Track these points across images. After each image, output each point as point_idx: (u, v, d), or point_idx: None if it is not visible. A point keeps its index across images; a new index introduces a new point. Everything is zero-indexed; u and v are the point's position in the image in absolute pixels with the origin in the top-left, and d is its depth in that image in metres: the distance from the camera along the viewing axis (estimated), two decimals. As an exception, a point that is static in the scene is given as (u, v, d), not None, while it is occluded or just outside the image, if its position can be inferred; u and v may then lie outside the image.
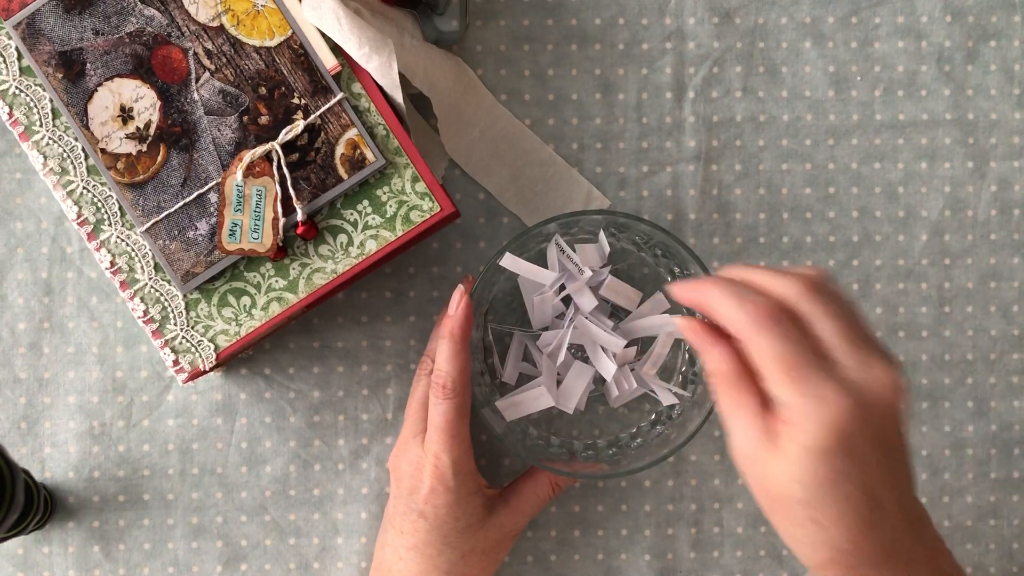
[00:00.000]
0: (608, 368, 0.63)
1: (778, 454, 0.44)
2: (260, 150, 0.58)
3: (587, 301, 0.63)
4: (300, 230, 0.59)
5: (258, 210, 0.58)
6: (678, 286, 0.48)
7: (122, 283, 0.60)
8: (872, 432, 0.43)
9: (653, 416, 0.66)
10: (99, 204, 0.59)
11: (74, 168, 0.59)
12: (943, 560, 0.48)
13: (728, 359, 0.46)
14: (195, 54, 0.58)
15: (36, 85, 0.58)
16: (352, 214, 0.59)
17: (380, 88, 0.59)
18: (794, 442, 0.43)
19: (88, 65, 0.58)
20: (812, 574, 0.47)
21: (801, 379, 0.43)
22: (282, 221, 0.59)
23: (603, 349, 0.63)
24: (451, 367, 0.58)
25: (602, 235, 0.62)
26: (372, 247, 0.59)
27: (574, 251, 0.62)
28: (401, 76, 0.60)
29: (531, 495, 0.62)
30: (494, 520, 0.60)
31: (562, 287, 0.63)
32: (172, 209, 0.59)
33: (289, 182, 0.58)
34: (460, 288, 0.59)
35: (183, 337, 0.60)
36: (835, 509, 0.44)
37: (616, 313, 0.65)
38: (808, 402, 0.42)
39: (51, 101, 0.58)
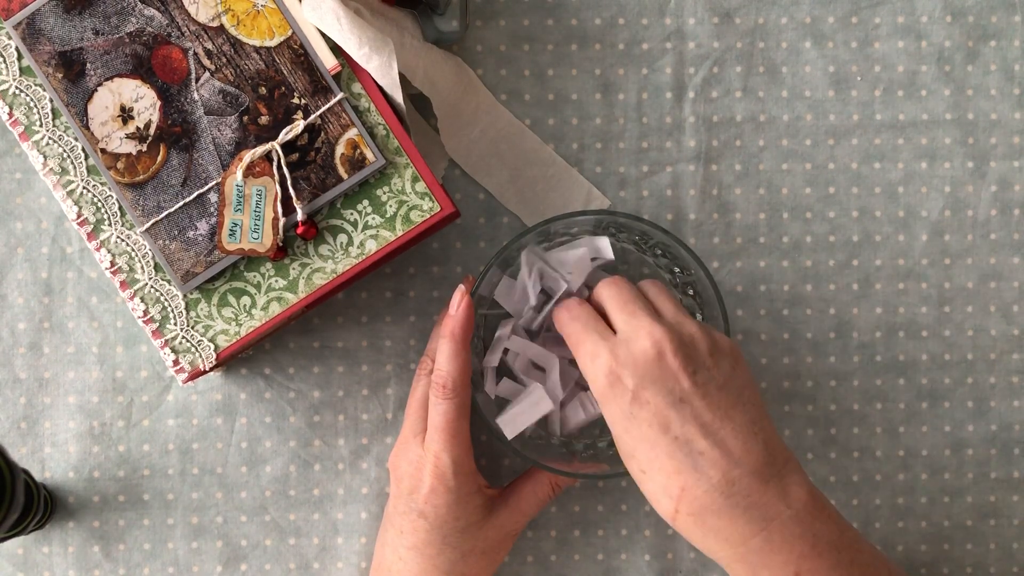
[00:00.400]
0: (544, 407, 0.62)
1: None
2: (260, 150, 0.58)
3: (526, 349, 0.63)
4: (300, 230, 0.59)
5: (258, 210, 0.58)
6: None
7: (122, 283, 0.60)
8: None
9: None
10: (99, 204, 0.59)
11: (74, 168, 0.59)
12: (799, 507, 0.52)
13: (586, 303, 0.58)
14: (195, 54, 0.58)
15: (36, 85, 0.58)
16: (352, 214, 0.59)
17: (380, 88, 0.59)
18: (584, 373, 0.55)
19: (88, 65, 0.58)
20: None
21: (632, 314, 0.55)
22: (282, 221, 0.59)
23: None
24: (451, 367, 0.58)
25: (607, 242, 0.62)
26: (372, 247, 0.59)
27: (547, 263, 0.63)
28: (401, 76, 0.60)
29: (531, 495, 0.62)
30: (494, 520, 0.60)
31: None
32: (172, 209, 0.59)
33: (289, 182, 0.58)
34: (461, 288, 0.59)
35: (183, 337, 0.60)
36: (642, 448, 0.53)
37: None
38: (582, 357, 0.55)
39: (51, 101, 0.58)
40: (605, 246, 0.62)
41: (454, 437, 0.58)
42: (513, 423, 0.61)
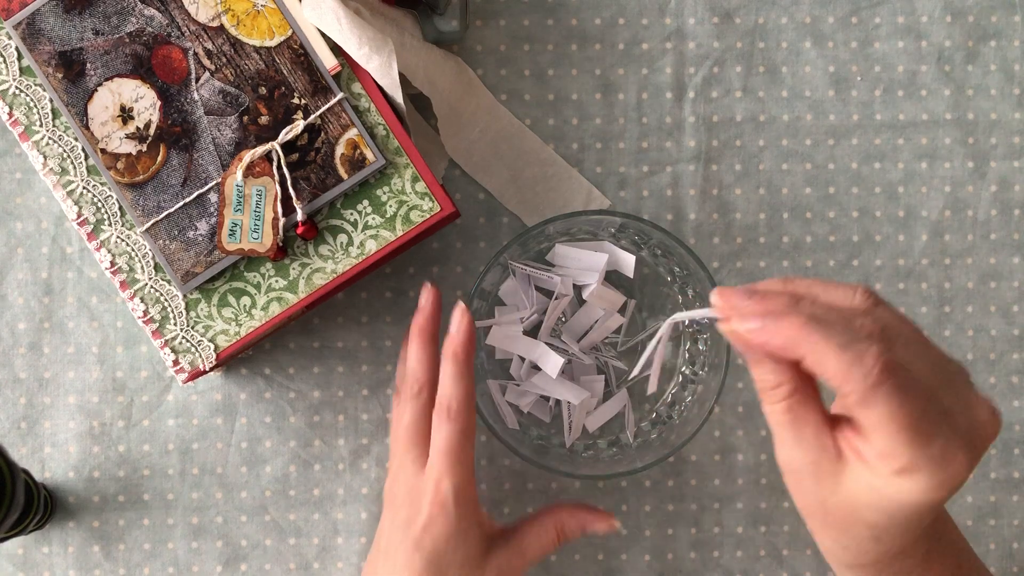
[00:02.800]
0: (620, 404, 0.65)
1: (853, 480, 0.42)
2: (260, 150, 0.58)
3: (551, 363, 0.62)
4: (300, 230, 0.59)
5: (258, 210, 0.58)
6: (752, 325, 0.42)
7: (122, 283, 0.60)
8: None
9: (653, 416, 0.66)
10: (99, 204, 0.59)
11: (74, 168, 0.59)
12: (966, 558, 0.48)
13: (791, 376, 0.42)
14: (195, 54, 0.58)
15: (36, 85, 0.58)
16: (352, 214, 0.59)
17: (380, 88, 0.59)
18: (896, 496, 0.41)
19: (88, 65, 0.58)
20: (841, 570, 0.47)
21: (920, 437, 0.40)
22: (282, 221, 0.59)
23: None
24: (456, 390, 0.55)
25: (632, 261, 0.63)
26: (372, 247, 0.59)
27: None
28: (401, 76, 0.60)
29: (535, 539, 0.58)
30: (493, 560, 0.56)
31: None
32: (172, 209, 0.59)
33: (289, 182, 0.58)
34: (461, 306, 0.57)
35: (183, 337, 0.60)
36: (905, 536, 0.43)
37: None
38: (928, 461, 0.40)
39: (51, 101, 0.58)
40: (628, 264, 0.63)
41: (458, 463, 0.55)
42: (593, 420, 0.64)
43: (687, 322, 0.66)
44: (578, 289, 0.64)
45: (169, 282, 0.60)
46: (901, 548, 0.44)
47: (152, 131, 0.59)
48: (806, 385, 0.43)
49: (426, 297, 0.58)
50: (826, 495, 0.43)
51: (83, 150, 0.59)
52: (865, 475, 0.41)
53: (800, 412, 0.42)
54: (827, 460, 0.42)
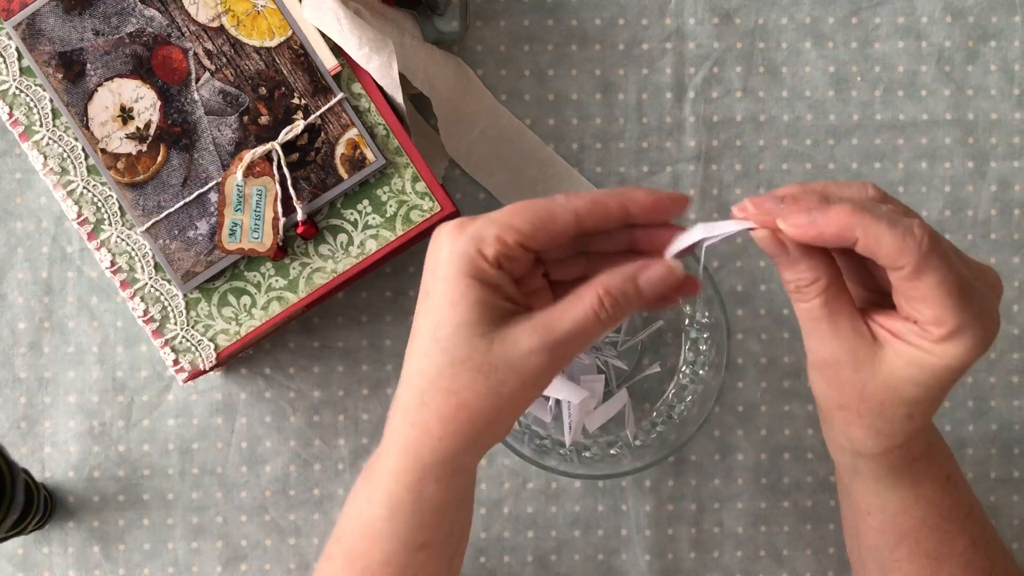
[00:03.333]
0: (620, 403, 0.65)
1: (892, 360, 0.44)
2: (260, 150, 0.58)
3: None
4: (300, 230, 0.59)
5: (258, 210, 0.58)
6: (801, 220, 0.42)
7: (122, 283, 0.60)
8: None
9: (653, 415, 0.66)
10: (99, 204, 0.59)
11: (74, 168, 0.59)
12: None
13: (827, 268, 0.44)
14: (195, 54, 0.58)
15: (36, 85, 0.58)
16: (352, 214, 0.59)
17: (380, 88, 0.59)
18: (934, 355, 0.43)
19: (88, 65, 0.58)
20: (860, 462, 0.49)
21: (965, 302, 0.42)
22: (282, 221, 0.59)
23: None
24: (602, 194, 0.44)
25: None
26: (372, 247, 0.59)
27: None
28: (401, 76, 0.60)
29: (569, 314, 0.43)
30: (506, 333, 0.43)
31: None
32: (172, 209, 0.59)
33: (289, 182, 0.58)
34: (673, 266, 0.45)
35: (183, 337, 0.60)
36: (934, 407, 0.46)
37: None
38: (972, 322, 0.43)
39: (51, 101, 0.58)
40: None
41: (511, 222, 0.43)
42: (593, 420, 0.63)
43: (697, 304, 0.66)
44: None
45: (169, 281, 0.60)
46: (920, 430, 0.47)
47: (152, 131, 0.59)
48: (838, 279, 0.45)
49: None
50: (865, 380, 0.45)
51: (83, 150, 0.59)
52: (905, 351, 0.44)
53: (835, 304, 0.44)
54: (864, 346, 0.44)
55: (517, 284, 0.45)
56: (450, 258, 0.43)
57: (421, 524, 0.46)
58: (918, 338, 0.43)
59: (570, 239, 0.44)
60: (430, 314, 0.44)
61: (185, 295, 0.60)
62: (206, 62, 0.58)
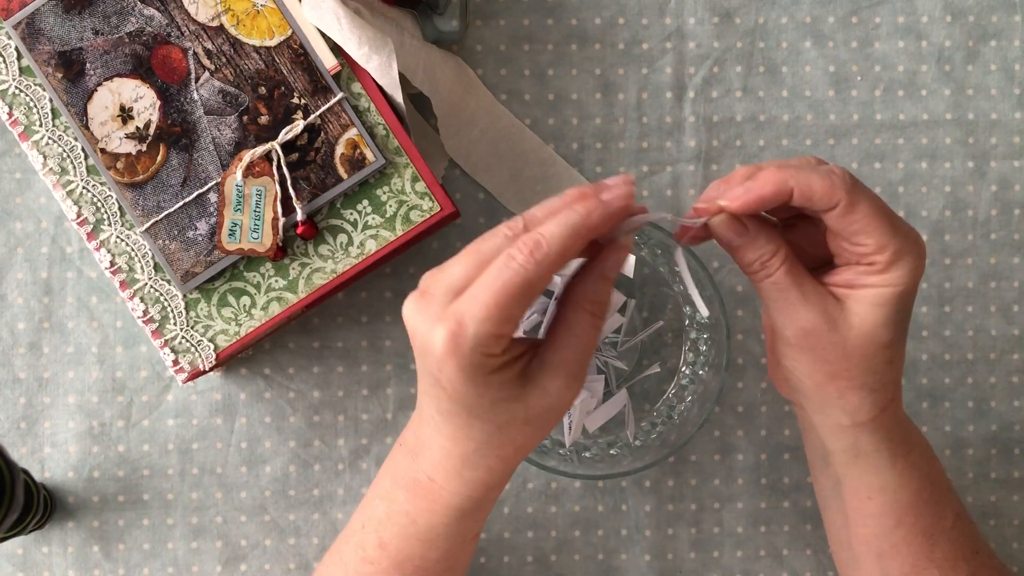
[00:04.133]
0: (620, 403, 0.65)
1: (858, 309, 0.47)
2: (260, 150, 0.58)
3: None
4: (300, 230, 0.59)
5: (258, 210, 0.58)
6: (738, 192, 0.47)
7: (122, 283, 0.60)
8: None
9: (653, 415, 0.66)
10: (99, 204, 0.59)
11: (74, 168, 0.59)
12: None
13: (782, 240, 0.48)
14: (195, 54, 0.58)
15: (36, 85, 0.58)
16: (352, 214, 0.59)
17: (380, 88, 0.59)
18: (888, 285, 0.47)
19: (88, 65, 0.58)
20: (862, 437, 0.51)
21: (896, 224, 0.47)
22: (282, 221, 0.59)
23: None
24: (557, 229, 0.43)
25: (628, 257, 0.61)
26: (372, 247, 0.59)
27: None
28: (401, 76, 0.60)
29: (570, 341, 0.46)
30: (533, 389, 0.46)
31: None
32: (172, 209, 0.59)
33: (289, 182, 0.58)
34: (627, 177, 0.46)
35: (183, 337, 0.60)
36: (901, 341, 0.49)
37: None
38: (907, 241, 0.47)
39: (51, 101, 0.58)
40: (628, 264, 0.62)
41: (500, 312, 0.43)
42: (593, 420, 0.63)
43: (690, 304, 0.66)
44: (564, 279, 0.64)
45: (169, 282, 0.60)
46: (898, 381, 0.50)
47: (152, 131, 0.59)
48: (790, 250, 0.48)
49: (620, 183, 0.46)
50: (844, 335, 0.48)
51: (83, 150, 0.59)
52: (865, 296, 0.47)
53: (797, 271, 0.48)
54: (832, 304, 0.48)
55: None
56: (461, 375, 0.44)
57: (478, 520, 0.51)
58: (869, 276, 0.47)
59: None
60: (461, 403, 0.46)
61: (185, 295, 0.60)
62: (206, 62, 0.58)
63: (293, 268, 0.60)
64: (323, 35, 0.58)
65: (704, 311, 0.53)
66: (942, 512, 0.53)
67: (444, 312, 0.44)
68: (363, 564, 0.53)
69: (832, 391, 0.49)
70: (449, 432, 0.48)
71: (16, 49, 0.58)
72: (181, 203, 0.59)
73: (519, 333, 0.63)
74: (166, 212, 0.59)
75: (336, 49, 0.58)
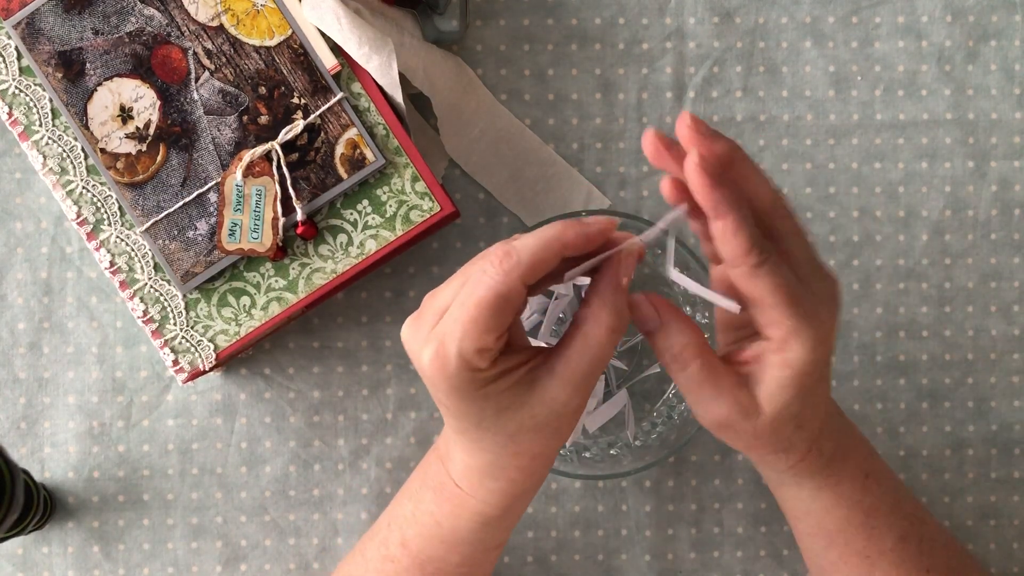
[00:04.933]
0: (620, 403, 0.65)
1: (765, 393, 0.47)
2: (260, 150, 0.58)
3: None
4: (300, 230, 0.59)
5: (258, 210, 0.58)
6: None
7: (122, 283, 0.60)
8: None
9: (654, 415, 0.66)
10: (99, 204, 0.59)
11: (74, 168, 0.59)
12: (856, 432, 0.55)
13: (696, 331, 0.47)
14: (195, 54, 0.58)
15: (36, 85, 0.58)
16: (352, 214, 0.59)
17: (380, 88, 0.59)
18: (787, 367, 0.46)
19: (88, 65, 0.58)
20: (783, 475, 0.52)
21: (798, 303, 0.45)
22: (282, 221, 0.58)
23: None
24: (532, 242, 0.44)
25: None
26: (372, 247, 0.59)
27: None
28: (401, 76, 0.60)
29: (584, 352, 0.45)
30: (539, 395, 0.45)
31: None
32: (172, 209, 0.59)
33: (289, 182, 0.58)
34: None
35: (183, 337, 0.60)
36: (813, 407, 0.48)
37: None
38: (809, 323, 0.45)
39: (51, 101, 0.58)
40: None
41: (478, 330, 0.43)
42: (593, 420, 0.63)
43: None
44: (578, 289, 0.64)
45: (169, 282, 0.60)
46: (818, 431, 0.50)
47: (152, 131, 0.59)
48: (705, 341, 0.47)
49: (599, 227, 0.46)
50: (754, 423, 0.47)
51: (83, 150, 0.59)
52: (771, 377, 0.46)
53: (712, 364, 0.47)
54: (745, 394, 0.47)
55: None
56: (451, 385, 0.45)
57: (504, 529, 0.52)
58: (770, 354, 0.46)
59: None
60: (466, 422, 0.47)
61: (185, 295, 0.60)
62: (206, 61, 0.58)
63: (293, 268, 0.59)
64: (323, 35, 0.58)
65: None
66: (880, 535, 0.54)
67: (430, 334, 0.44)
68: (384, 562, 0.54)
69: (749, 454, 0.51)
70: (464, 446, 0.48)
71: (16, 49, 0.58)
72: (181, 203, 0.59)
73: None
74: (166, 212, 0.59)
75: (336, 49, 0.58)
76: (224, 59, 0.58)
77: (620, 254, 0.46)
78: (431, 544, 0.52)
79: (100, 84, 0.58)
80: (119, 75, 0.58)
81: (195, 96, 0.58)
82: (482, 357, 0.44)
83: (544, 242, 0.44)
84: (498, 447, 0.47)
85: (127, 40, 0.58)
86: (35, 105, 0.58)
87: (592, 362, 0.45)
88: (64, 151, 0.59)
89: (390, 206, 0.59)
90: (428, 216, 0.59)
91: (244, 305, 0.60)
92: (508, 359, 0.45)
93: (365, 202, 0.59)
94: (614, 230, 0.46)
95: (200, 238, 0.59)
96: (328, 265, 0.59)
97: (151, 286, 0.60)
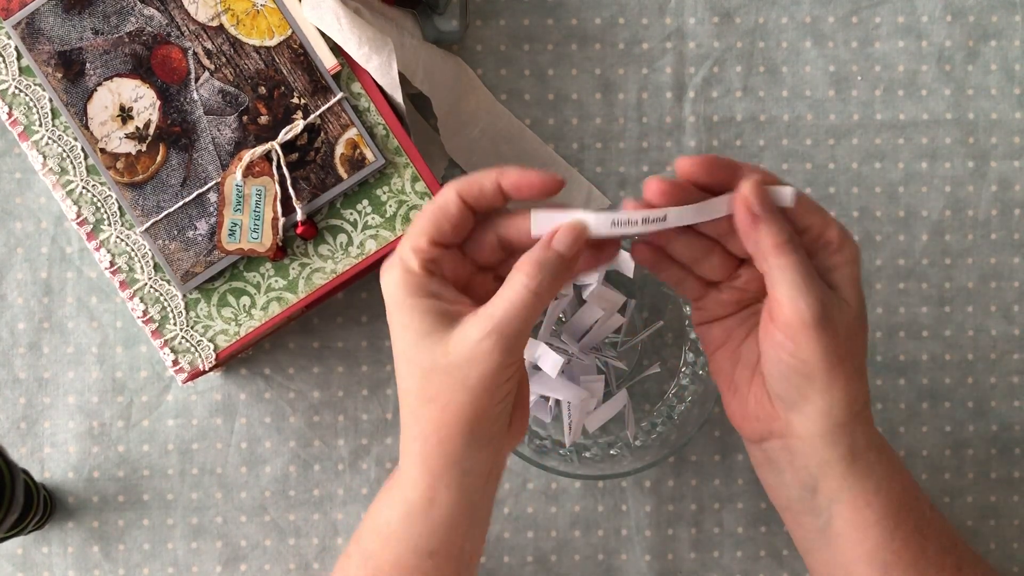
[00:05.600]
0: (620, 404, 0.64)
1: (844, 282, 0.49)
2: (260, 150, 0.58)
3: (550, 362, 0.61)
4: (300, 230, 0.59)
5: (258, 210, 0.58)
6: (680, 162, 0.48)
7: (122, 283, 0.60)
8: None
9: (654, 415, 0.66)
10: (99, 204, 0.59)
11: (73, 168, 0.59)
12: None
13: (787, 223, 0.47)
14: (195, 54, 0.58)
15: (36, 85, 0.58)
16: (352, 214, 0.59)
17: (380, 88, 0.59)
18: (855, 258, 0.49)
19: (88, 65, 0.58)
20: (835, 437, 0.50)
21: (832, 218, 0.49)
22: (282, 221, 0.58)
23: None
24: (480, 173, 0.47)
25: (628, 257, 0.61)
26: (372, 247, 0.59)
27: None
28: (401, 76, 0.60)
29: (501, 297, 0.46)
30: (457, 332, 0.47)
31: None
32: (172, 209, 0.59)
33: (289, 182, 0.58)
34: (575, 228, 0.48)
35: (183, 337, 0.60)
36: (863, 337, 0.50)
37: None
38: (844, 230, 0.49)
39: (51, 101, 0.58)
40: (628, 264, 0.62)
41: (415, 232, 0.47)
42: (593, 420, 0.63)
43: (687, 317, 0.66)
44: (578, 289, 0.64)
45: (169, 282, 0.60)
46: (866, 388, 0.50)
47: (152, 131, 0.59)
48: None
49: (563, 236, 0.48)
50: (845, 313, 0.48)
51: (82, 150, 0.59)
52: (839, 271, 0.49)
53: (802, 255, 0.48)
54: (827, 288, 0.49)
55: (467, 290, 0.49)
56: (389, 288, 0.48)
57: (432, 530, 0.49)
58: (832, 256, 0.49)
59: (469, 222, 0.48)
60: (396, 341, 0.48)
61: (184, 295, 0.60)
62: (205, 61, 0.58)
63: (293, 268, 0.59)
64: (323, 35, 0.58)
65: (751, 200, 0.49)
66: (921, 500, 0.53)
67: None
68: (343, 557, 0.53)
69: (840, 374, 0.48)
70: (399, 392, 0.50)
71: (16, 49, 0.58)
72: (181, 203, 0.59)
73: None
74: (166, 212, 0.59)
75: (336, 49, 0.58)
76: (224, 59, 0.58)
77: (568, 227, 0.47)
78: (372, 539, 0.51)
79: (100, 84, 0.58)
80: (119, 75, 0.58)
81: (195, 96, 0.58)
82: (415, 256, 0.47)
83: (486, 171, 0.48)
84: (415, 386, 0.48)
85: (127, 40, 0.58)
86: (35, 105, 0.58)
87: (508, 309, 0.46)
88: (64, 151, 0.59)
89: (390, 206, 0.59)
90: (428, 216, 0.59)
91: (244, 305, 0.60)
92: (446, 288, 0.48)
93: (365, 202, 0.59)
94: (556, 189, 0.47)
95: (200, 238, 0.59)
96: (328, 265, 0.59)
97: (151, 286, 0.60)
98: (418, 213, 0.49)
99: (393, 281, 0.48)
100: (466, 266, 0.49)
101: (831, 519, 0.51)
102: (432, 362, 0.47)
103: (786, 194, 0.47)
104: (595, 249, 0.49)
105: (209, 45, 0.58)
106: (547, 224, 0.47)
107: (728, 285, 0.51)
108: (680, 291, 0.52)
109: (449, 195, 0.47)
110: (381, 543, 0.50)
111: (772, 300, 0.48)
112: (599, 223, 0.46)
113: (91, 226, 0.59)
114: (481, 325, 0.46)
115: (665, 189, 0.46)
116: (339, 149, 0.59)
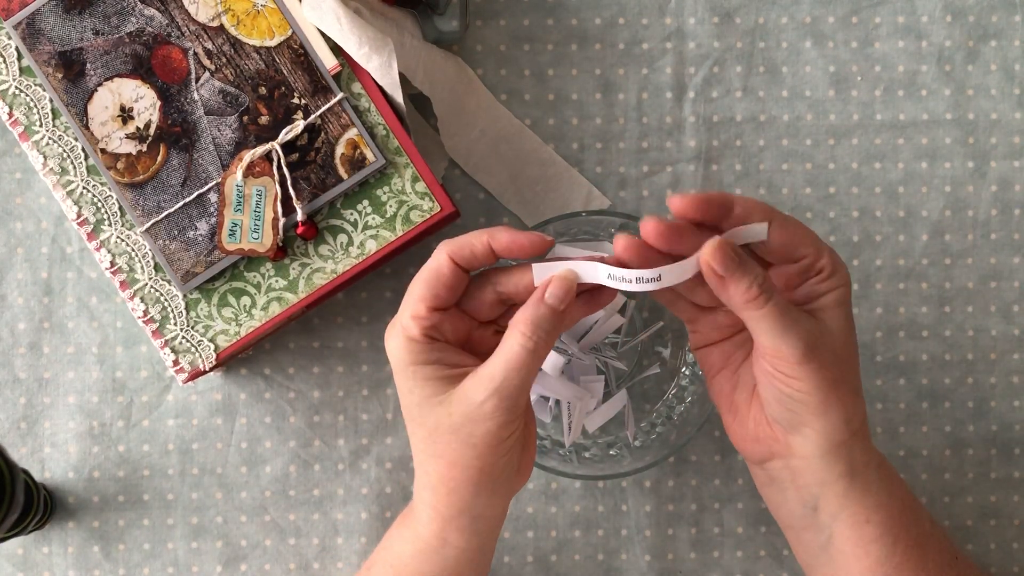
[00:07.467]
0: (619, 404, 0.64)
1: (828, 316, 0.49)
2: (260, 150, 0.58)
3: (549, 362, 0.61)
4: (300, 230, 0.59)
5: (258, 210, 0.58)
6: (672, 201, 0.48)
7: (122, 283, 0.60)
8: None
9: (653, 416, 0.66)
10: (99, 204, 0.59)
11: (74, 168, 0.59)
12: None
13: (756, 271, 0.47)
14: (195, 54, 0.58)
15: (36, 85, 0.58)
16: (352, 214, 0.59)
17: (380, 88, 0.59)
18: (840, 285, 0.49)
19: (88, 65, 0.58)
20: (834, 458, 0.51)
21: (825, 246, 0.50)
22: (282, 221, 0.59)
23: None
24: (471, 235, 0.49)
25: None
26: (372, 247, 0.59)
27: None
28: (401, 76, 0.60)
29: (499, 357, 0.48)
30: (459, 393, 0.49)
31: None
32: (172, 209, 0.59)
33: (289, 182, 0.58)
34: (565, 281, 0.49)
35: (183, 337, 0.60)
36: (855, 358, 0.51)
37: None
38: (836, 257, 0.49)
39: (51, 101, 0.58)
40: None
41: (412, 299, 0.49)
42: (593, 420, 0.63)
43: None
44: None
45: (169, 282, 0.60)
46: (862, 408, 0.51)
47: (152, 131, 0.59)
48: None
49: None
50: (832, 343, 0.49)
51: (83, 150, 0.59)
52: (830, 301, 0.49)
53: (781, 298, 0.48)
54: (811, 320, 0.49)
55: (468, 345, 0.51)
56: (393, 354, 0.50)
57: (443, 568, 0.53)
58: (822, 283, 0.49)
59: (464, 281, 0.50)
60: (402, 402, 0.51)
61: (185, 295, 0.60)
62: (206, 62, 0.58)
63: (293, 268, 0.60)
64: (323, 35, 0.58)
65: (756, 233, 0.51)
66: (920, 515, 0.53)
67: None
68: None
69: (835, 399, 0.49)
70: (411, 446, 0.52)
71: (16, 49, 0.58)
72: (181, 203, 0.59)
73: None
74: (166, 212, 0.59)
75: (336, 49, 0.58)
76: (224, 59, 0.58)
77: (554, 278, 0.49)
78: (383, 568, 0.55)
79: (100, 84, 0.58)
80: (119, 75, 0.58)
81: (195, 96, 0.58)
82: (416, 324, 0.49)
83: (476, 232, 0.49)
84: (419, 440, 0.51)
85: (127, 40, 0.58)
86: (35, 105, 0.58)
87: (507, 370, 0.48)
88: (64, 151, 0.59)
89: (390, 206, 0.59)
90: (428, 216, 0.59)
91: (244, 305, 0.60)
92: (447, 351, 0.50)
93: (365, 202, 0.59)
94: (545, 249, 0.49)
95: (200, 238, 0.59)
96: (328, 265, 0.60)
97: (151, 286, 0.60)
98: (414, 279, 0.50)
99: (396, 348, 0.50)
100: (466, 322, 0.51)
101: (832, 536, 0.52)
102: (436, 423, 0.49)
103: (759, 231, 0.48)
104: (591, 294, 0.50)
105: (209, 45, 0.58)
106: (548, 275, 0.49)
107: (722, 309, 0.52)
108: (674, 312, 0.53)
109: (441, 259, 0.49)
110: (393, 575, 0.54)
111: (756, 344, 0.49)
112: (594, 274, 0.48)
113: (91, 226, 0.59)
114: (482, 387, 0.48)
115: (662, 231, 0.46)
116: (339, 149, 0.59)
